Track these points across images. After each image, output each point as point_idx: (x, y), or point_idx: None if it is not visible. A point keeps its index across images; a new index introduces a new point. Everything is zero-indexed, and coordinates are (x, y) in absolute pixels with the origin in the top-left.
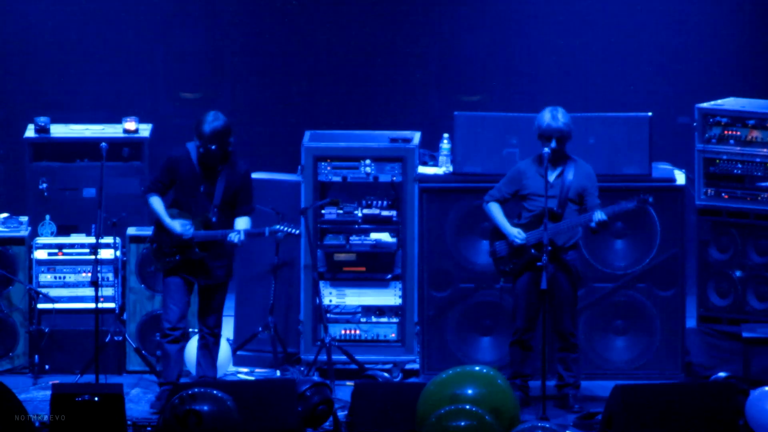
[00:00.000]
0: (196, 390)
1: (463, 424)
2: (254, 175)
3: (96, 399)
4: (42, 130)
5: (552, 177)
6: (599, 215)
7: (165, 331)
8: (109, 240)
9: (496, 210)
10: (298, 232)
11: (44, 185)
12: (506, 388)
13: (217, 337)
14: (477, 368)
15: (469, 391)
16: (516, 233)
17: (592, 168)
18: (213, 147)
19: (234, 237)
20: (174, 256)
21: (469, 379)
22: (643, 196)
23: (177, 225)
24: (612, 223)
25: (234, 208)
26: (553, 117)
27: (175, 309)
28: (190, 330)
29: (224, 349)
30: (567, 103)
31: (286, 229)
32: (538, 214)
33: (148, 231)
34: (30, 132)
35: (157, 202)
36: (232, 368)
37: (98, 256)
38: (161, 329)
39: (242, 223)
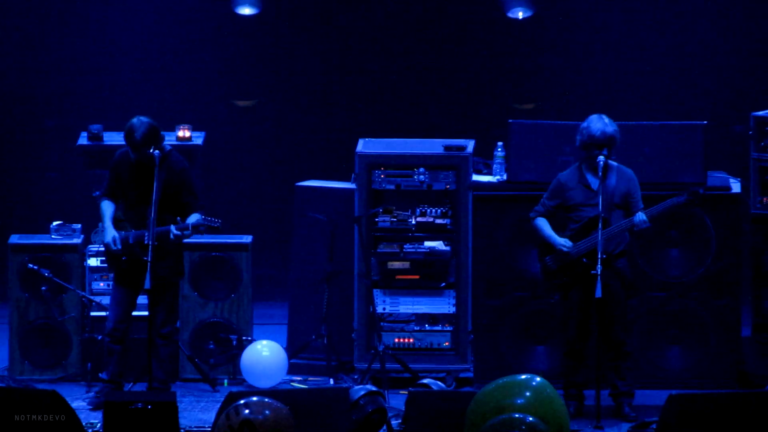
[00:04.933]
0: (250, 399)
1: None
2: (308, 183)
3: (149, 407)
4: (95, 137)
5: (595, 185)
6: (640, 220)
7: (108, 331)
8: None
9: (543, 224)
10: (218, 224)
11: (97, 193)
12: (555, 396)
13: (165, 338)
14: (525, 377)
15: (518, 401)
16: (563, 242)
17: (635, 175)
18: (145, 151)
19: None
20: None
21: (518, 388)
22: (694, 189)
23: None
24: (663, 218)
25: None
26: (606, 124)
27: (117, 309)
28: (245, 338)
29: (279, 358)
30: (621, 111)
31: (202, 222)
32: (585, 224)
33: (201, 239)
34: (83, 140)
35: None
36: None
37: (150, 258)
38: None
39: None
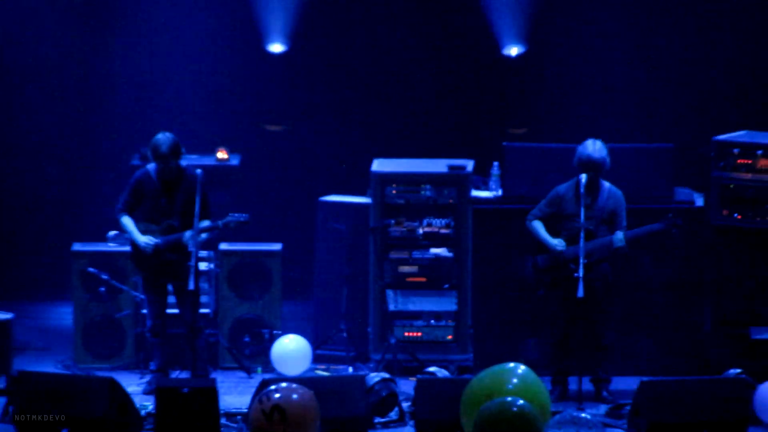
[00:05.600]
0: (280, 385)
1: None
2: (330, 198)
3: (193, 391)
4: (145, 158)
5: (588, 201)
6: (619, 240)
7: (148, 327)
8: (204, 253)
9: (539, 226)
10: (246, 218)
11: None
12: (537, 381)
13: (196, 331)
14: (511, 366)
15: (509, 386)
16: (557, 243)
17: (622, 195)
18: (169, 164)
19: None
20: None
21: (507, 376)
22: (672, 218)
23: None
24: (640, 242)
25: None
26: (593, 149)
27: (153, 308)
28: (276, 332)
29: (304, 350)
30: (601, 133)
31: (233, 219)
32: (575, 234)
33: (238, 246)
34: (135, 160)
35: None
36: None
37: (196, 268)
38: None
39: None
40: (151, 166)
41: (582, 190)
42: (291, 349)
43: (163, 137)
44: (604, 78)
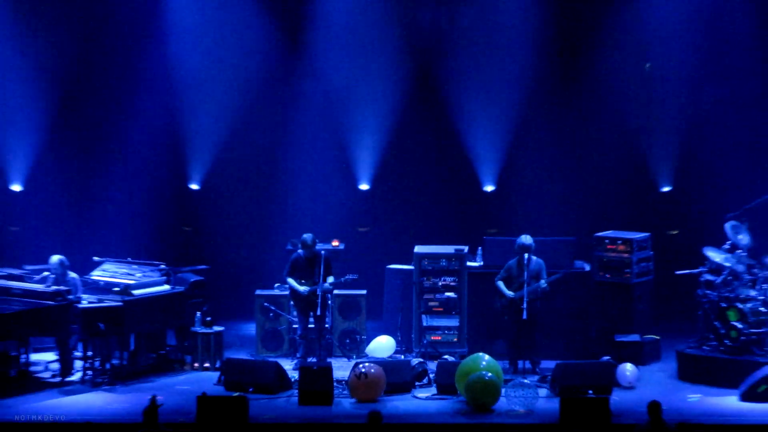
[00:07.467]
0: (365, 363)
1: (484, 381)
2: (392, 266)
3: (319, 368)
4: (294, 244)
5: (524, 268)
6: (543, 284)
7: (299, 334)
8: (328, 296)
9: (501, 284)
10: (356, 276)
11: (285, 272)
12: (494, 362)
13: (325, 336)
14: (480, 355)
15: (481, 365)
16: (510, 293)
17: (543, 261)
18: (311, 250)
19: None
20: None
21: (478, 360)
22: (564, 274)
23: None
24: (553, 287)
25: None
26: (526, 240)
27: (303, 324)
28: (363, 337)
29: (390, 345)
30: (535, 231)
31: (350, 277)
32: (519, 284)
33: (343, 291)
34: (288, 245)
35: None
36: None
37: (320, 300)
38: (299, 334)
39: (329, 279)
40: (300, 251)
41: (525, 261)
42: (383, 344)
43: (308, 236)
44: (538, 201)
